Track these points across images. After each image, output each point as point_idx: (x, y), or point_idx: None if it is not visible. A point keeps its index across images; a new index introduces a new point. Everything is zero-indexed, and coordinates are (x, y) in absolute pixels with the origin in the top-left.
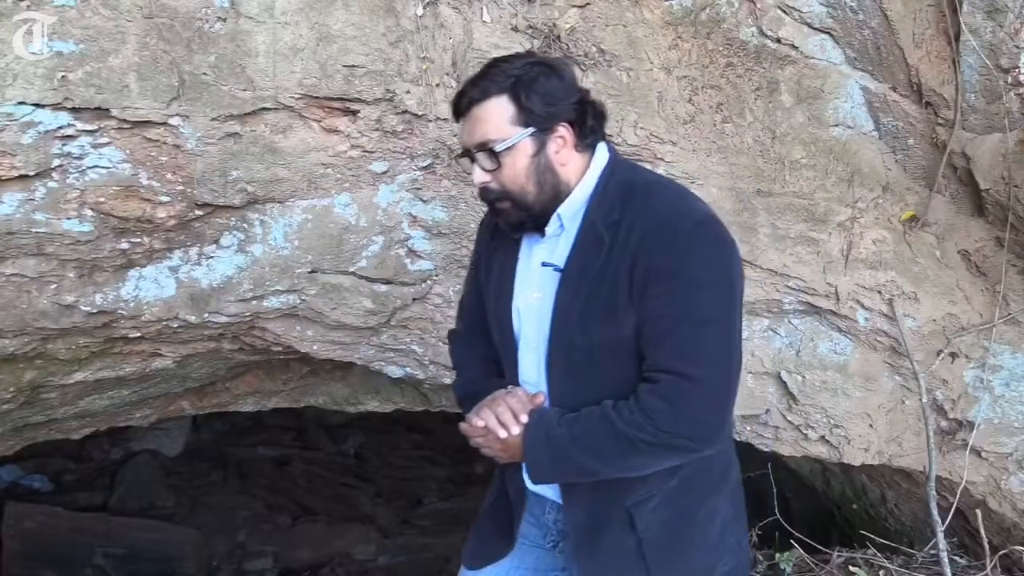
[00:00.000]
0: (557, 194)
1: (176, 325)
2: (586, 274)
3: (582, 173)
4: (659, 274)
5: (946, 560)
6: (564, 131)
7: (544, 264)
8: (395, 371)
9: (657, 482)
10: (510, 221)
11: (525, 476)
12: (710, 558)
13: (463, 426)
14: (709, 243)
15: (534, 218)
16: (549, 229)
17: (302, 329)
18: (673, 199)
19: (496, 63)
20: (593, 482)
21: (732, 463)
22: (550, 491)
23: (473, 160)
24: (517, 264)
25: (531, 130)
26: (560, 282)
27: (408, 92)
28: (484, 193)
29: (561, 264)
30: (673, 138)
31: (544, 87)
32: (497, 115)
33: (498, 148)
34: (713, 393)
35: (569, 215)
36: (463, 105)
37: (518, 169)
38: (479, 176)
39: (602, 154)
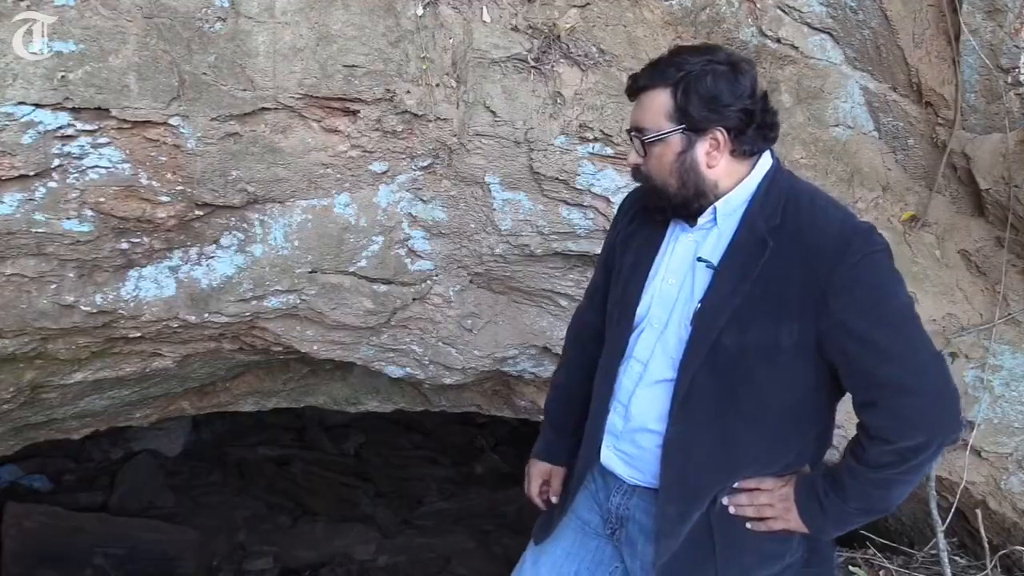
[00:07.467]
0: (700, 192)
1: (176, 325)
2: (746, 274)
3: (741, 177)
4: (841, 287)
5: (946, 560)
6: (720, 135)
7: (699, 259)
8: (395, 371)
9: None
10: (651, 204)
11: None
12: (778, 547)
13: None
14: (883, 251)
15: (674, 208)
16: (701, 220)
17: (302, 329)
18: (835, 208)
19: (679, 52)
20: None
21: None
22: (621, 468)
23: (631, 141)
24: (659, 247)
25: (681, 128)
26: (714, 279)
27: (408, 92)
28: (634, 174)
29: (714, 261)
30: None
31: (708, 90)
32: (657, 106)
33: (646, 139)
34: (929, 392)
35: (725, 212)
36: (635, 87)
37: (663, 162)
38: (632, 158)
39: (766, 160)
